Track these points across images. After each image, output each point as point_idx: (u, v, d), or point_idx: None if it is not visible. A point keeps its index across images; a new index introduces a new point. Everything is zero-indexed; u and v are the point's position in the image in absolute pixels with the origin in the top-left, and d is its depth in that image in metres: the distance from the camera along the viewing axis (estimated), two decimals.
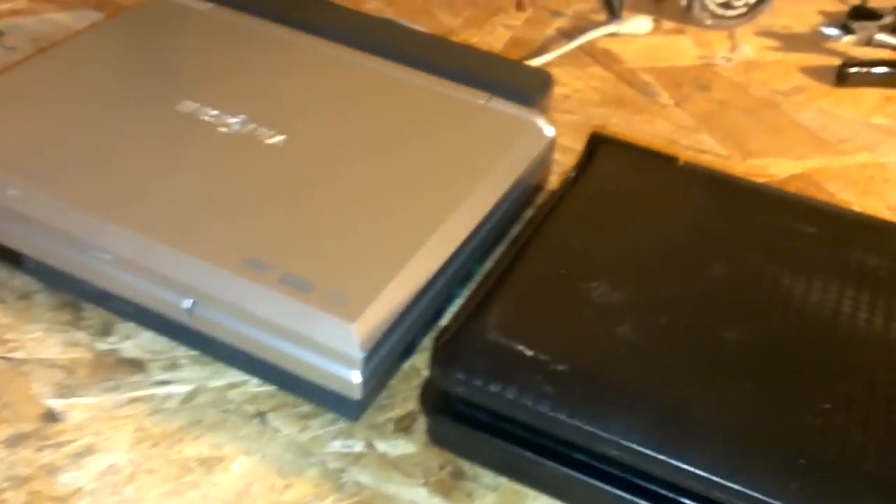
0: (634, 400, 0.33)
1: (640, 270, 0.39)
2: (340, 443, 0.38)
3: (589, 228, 0.41)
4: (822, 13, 0.72)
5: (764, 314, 0.37)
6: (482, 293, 0.38)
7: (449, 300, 0.44)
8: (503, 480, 0.37)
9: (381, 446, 0.38)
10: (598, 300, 0.37)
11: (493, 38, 0.67)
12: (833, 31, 0.68)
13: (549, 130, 0.50)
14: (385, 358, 0.39)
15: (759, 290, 0.38)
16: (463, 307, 0.37)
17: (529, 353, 0.34)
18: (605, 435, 0.32)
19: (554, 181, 0.53)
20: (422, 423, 0.39)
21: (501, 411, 0.34)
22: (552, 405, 0.33)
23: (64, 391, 0.38)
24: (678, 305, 0.37)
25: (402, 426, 0.39)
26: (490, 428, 0.35)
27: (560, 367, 0.34)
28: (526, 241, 0.41)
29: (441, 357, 0.35)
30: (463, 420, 0.35)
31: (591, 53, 0.66)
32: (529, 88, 0.52)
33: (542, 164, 0.50)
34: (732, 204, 0.44)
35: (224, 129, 0.46)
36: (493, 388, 0.34)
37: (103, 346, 0.41)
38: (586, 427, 0.32)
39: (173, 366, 0.40)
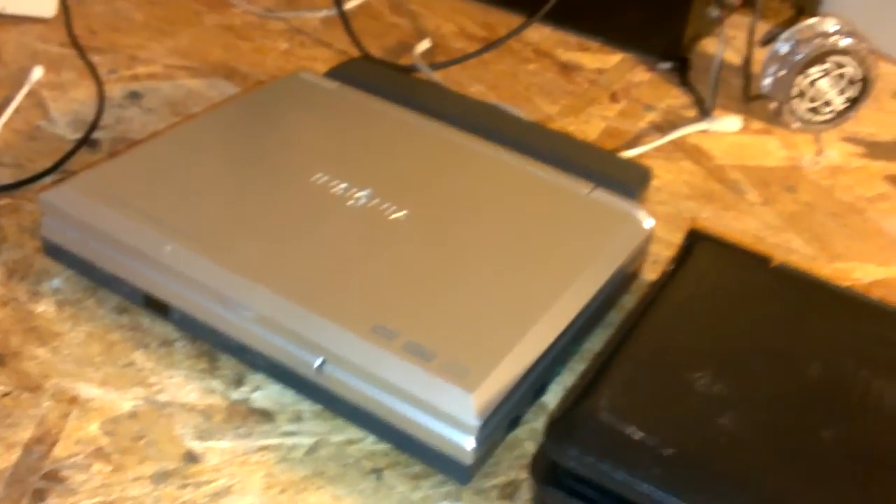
0: (738, 488, 0.35)
1: (739, 365, 0.42)
2: None
3: (689, 321, 0.44)
4: None
5: (858, 416, 0.39)
6: (591, 376, 0.41)
7: (551, 378, 0.47)
8: None
9: None
10: (700, 390, 0.40)
11: (589, 127, 0.71)
12: None
13: (648, 223, 0.53)
14: (496, 428, 0.42)
15: (853, 393, 0.41)
16: (574, 387, 0.40)
17: (639, 435, 0.37)
18: None
19: (646, 268, 0.56)
20: (523, 492, 0.42)
21: (609, 487, 0.37)
22: (659, 486, 0.35)
23: (202, 434, 0.42)
24: (776, 402, 0.40)
25: (506, 493, 0.42)
26: (595, 502, 0.38)
27: (668, 451, 0.36)
28: (630, 330, 0.44)
29: (556, 432, 0.38)
30: (570, 493, 0.38)
31: (682, 148, 0.69)
32: (629, 181, 0.56)
33: (640, 253, 0.53)
34: (825, 307, 0.46)
35: (352, 202, 0.50)
36: (604, 465, 0.36)
37: (236, 395, 0.44)
38: None
39: (298, 418, 0.44)
